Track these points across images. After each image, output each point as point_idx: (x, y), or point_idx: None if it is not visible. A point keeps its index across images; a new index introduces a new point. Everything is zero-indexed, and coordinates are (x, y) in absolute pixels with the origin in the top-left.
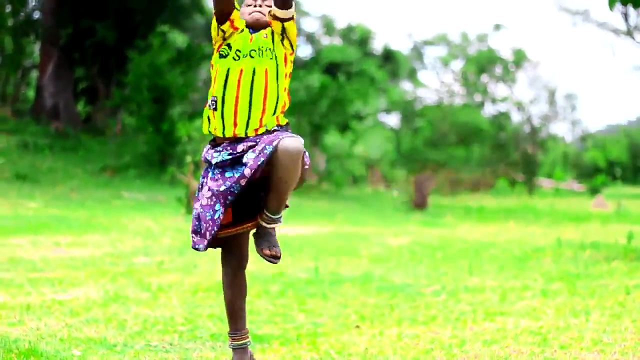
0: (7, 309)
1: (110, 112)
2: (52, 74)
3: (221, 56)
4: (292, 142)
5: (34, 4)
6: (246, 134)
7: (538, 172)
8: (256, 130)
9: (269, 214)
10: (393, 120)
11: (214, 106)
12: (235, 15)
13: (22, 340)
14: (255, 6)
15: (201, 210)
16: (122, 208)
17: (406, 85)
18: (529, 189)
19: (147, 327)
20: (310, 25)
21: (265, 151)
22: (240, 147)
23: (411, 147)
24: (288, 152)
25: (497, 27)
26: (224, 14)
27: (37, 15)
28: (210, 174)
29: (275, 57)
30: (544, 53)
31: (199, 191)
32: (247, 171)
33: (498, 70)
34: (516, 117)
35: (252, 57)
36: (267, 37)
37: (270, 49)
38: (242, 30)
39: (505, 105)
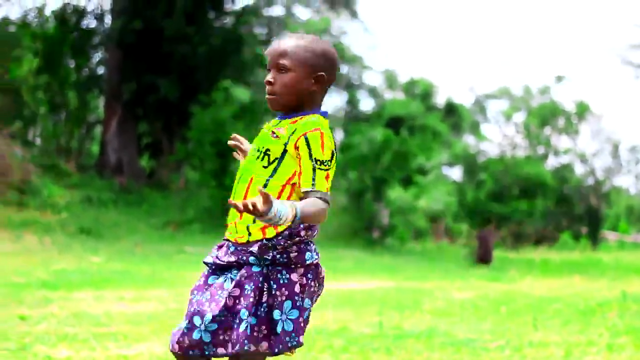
0: None
1: (173, 167)
2: (116, 129)
3: None
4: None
5: (97, 59)
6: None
7: (602, 225)
8: (238, 237)
9: None
10: (456, 173)
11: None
12: None
13: None
14: (266, 82)
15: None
16: (185, 262)
17: (469, 139)
18: (594, 243)
19: None
20: (373, 79)
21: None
22: (225, 257)
23: (474, 200)
24: None
25: (559, 79)
26: None
27: (100, 70)
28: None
29: (275, 169)
30: (607, 105)
31: None
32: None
33: (561, 122)
34: (579, 170)
35: (252, 155)
36: (277, 138)
37: (269, 156)
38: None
39: (568, 158)
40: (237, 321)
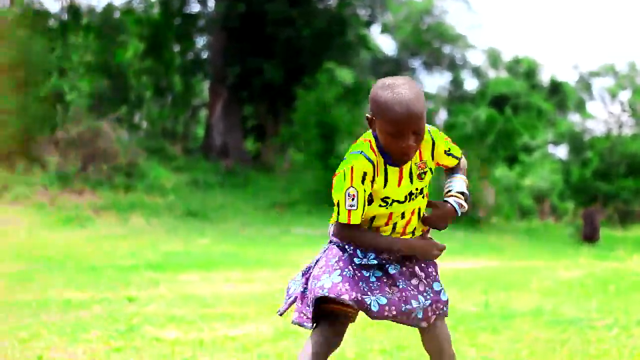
0: (181, 344)
1: (278, 149)
2: (221, 113)
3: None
4: (443, 332)
5: (202, 43)
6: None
7: None
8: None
9: None
10: (561, 152)
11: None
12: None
13: None
14: (406, 147)
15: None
16: (291, 244)
17: (574, 117)
18: None
19: None
20: (477, 58)
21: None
22: (385, 254)
23: (580, 179)
24: (437, 343)
25: None
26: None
27: (205, 54)
28: (347, 262)
29: (425, 193)
30: None
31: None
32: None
33: None
34: None
35: (401, 202)
36: (425, 177)
37: (424, 188)
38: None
39: None
40: (434, 293)
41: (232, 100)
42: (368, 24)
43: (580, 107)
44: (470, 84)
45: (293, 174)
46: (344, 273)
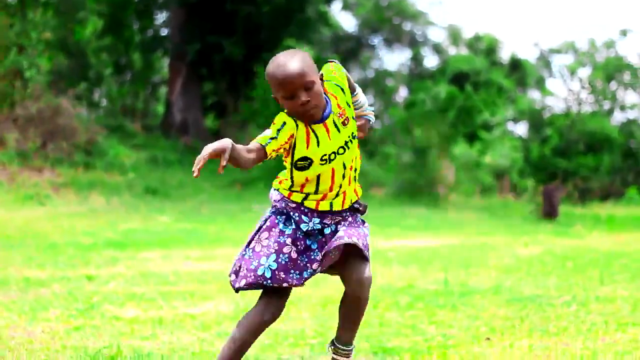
0: (140, 323)
1: (238, 126)
2: (181, 90)
3: (301, 168)
4: (367, 272)
5: (161, 20)
6: (331, 207)
7: None
8: (339, 207)
9: (342, 347)
10: (521, 129)
11: (305, 197)
12: (278, 143)
13: (155, 355)
14: (302, 104)
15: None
16: (251, 221)
17: (534, 94)
18: None
19: (279, 341)
20: (437, 35)
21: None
22: (327, 219)
23: (540, 156)
24: (362, 285)
25: (624, 32)
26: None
27: (164, 31)
28: (290, 232)
29: (357, 138)
30: None
31: (260, 232)
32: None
33: (626, 77)
34: None
35: (340, 153)
36: (348, 123)
37: (353, 134)
38: (307, 129)
39: (634, 113)
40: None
41: (192, 77)
42: (328, 0)
43: (540, 84)
44: (431, 61)
45: None
46: (280, 260)
